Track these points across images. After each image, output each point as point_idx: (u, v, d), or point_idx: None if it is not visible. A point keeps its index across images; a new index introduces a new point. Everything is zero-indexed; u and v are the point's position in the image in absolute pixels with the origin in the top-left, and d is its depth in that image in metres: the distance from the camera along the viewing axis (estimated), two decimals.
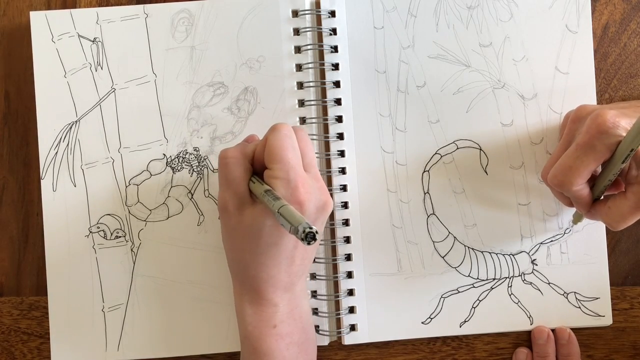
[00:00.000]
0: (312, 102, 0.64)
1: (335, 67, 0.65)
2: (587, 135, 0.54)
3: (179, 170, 0.65)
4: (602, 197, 0.58)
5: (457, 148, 0.65)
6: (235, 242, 0.57)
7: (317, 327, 0.64)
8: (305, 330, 0.60)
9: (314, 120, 0.64)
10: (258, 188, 0.55)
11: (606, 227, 0.64)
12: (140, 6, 0.65)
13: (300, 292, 0.59)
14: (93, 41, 0.65)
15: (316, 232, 0.47)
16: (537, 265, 0.65)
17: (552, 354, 0.65)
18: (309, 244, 0.47)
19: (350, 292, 0.65)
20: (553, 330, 0.65)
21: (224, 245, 0.59)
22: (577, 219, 0.64)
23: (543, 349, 0.64)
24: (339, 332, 0.65)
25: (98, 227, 0.65)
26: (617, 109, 0.54)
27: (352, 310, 0.65)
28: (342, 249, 0.65)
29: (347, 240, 0.65)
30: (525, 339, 0.66)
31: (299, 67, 0.65)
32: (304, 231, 0.47)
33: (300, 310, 0.59)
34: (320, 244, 0.65)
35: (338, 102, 0.65)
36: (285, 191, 0.53)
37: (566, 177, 0.55)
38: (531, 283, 0.65)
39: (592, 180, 0.57)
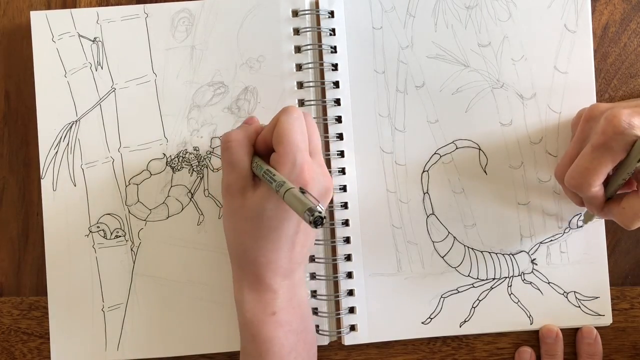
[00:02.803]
0: (312, 102, 0.65)
1: (335, 67, 0.65)
2: (603, 136, 0.54)
3: (178, 170, 0.66)
4: (615, 197, 0.59)
5: (457, 148, 0.66)
6: (237, 224, 0.58)
7: (317, 327, 0.65)
8: (304, 319, 0.60)
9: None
10: (260, 170, 0.55)
11: (605, 227, 0.65)
12: (141, 6, 0.66)
13: (299, 281, 0.60)
14: (93, 41, 0.66)
15: (324, 216, 0.47)
16: (536, 264, 0.66)
17: (560, 353, 0.65)
18: (316, 227, 0.47)
19: (350, 293, 0.65)
20: (577, 330, 0.66)
21: (224, 228, 0.60)
22: (588, 219, 0.65)
23: (552, 347, 0.65)
24: (339, 332, 0.65)
25: (98, 227, 0.66)
26: (631, 107, 0.54)
27: (352, 310, 0.65)
28: (342, 249, 0.65)
29: (347, 240, 0.65)
30: (525, 338, 0.67)
31: (299, 67, 0.66)
32: (312, 214, 0.47)
33: (299, 299, 0.60)
34: (320, 244, 0.65)
35: (337, 102, 0.65)
36: (291, 173, 0.54)
37: (584, 179, 0.56)
38: (531, 283, 0.66)
39: (605, 180, 0.57)
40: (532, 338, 0.67)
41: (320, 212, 0.47)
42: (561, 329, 0.66)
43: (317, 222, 0.47)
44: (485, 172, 0.66)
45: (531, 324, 0.66)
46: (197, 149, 0.66)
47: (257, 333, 0.57)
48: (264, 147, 0.58)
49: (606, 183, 0.58)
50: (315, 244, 0.65)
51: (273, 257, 0.57)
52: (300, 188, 0.51)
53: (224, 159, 0.58)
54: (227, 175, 0.58)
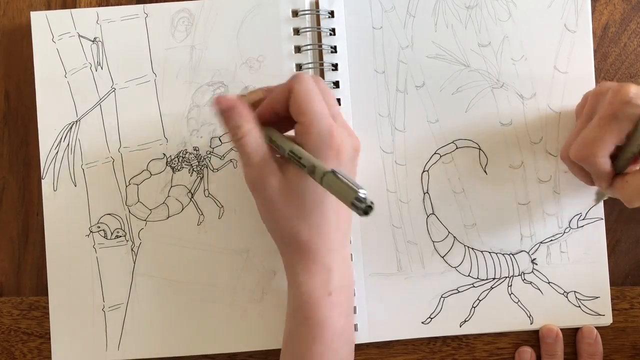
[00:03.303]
0: None
1: (335, 67, 0.66)
2: (610, 107, 0.54)
3: (179, 170, 0.66)
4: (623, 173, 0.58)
5: (457, 148, 0.66)
6: (280, 212, 0.56)
7: None
8: (351, 301, 0.60)
9: None
10: (284, 150, 0.54)
11: (606, 227, 0.66)
12: (140, 6, 0.66)
13: (348, 259, 0.60)
14: (93, 41, 0.67)
15: (372, 204, 0.45)
16: (537, 264, 0.66)
17: (560, 353, 0.66)
18: (366, 215, 0.46)
19: None
20: (577, 330, 0.66)
21: (265, 222, 0.59)
22: (599, 197, 0.64)
23: (552, 347, 0.65)
24: None
25: (98, 227, 0.66)
26: None
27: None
28: None
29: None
30: (525, 338, 0.67)
31: (299, 67, 0.66)
32: (362, 205, 0.45)
33: (349, 280, 0.60)
34: None
35: (337, 102, 0.65)
36: (321, 143, 0.53)
37: (590, 149, 0.56)
38: (531, 282, 0.66)
39: (614, 158, 0.57)
40: (532, 338, 0.67)
41: (371, 203, 0.46)
42: (561, 329, 0.66)
43: (367, 210, 0.46)
44: (485, 172, 0.66)
45: (531, 323, 0.66)
46: (197, 149, 0.66)
47: (313, 314, 0.56)
48: (271, 116, 0.57)
49: (615, 159, 0.58)
50: None
51: (325, 231, 0.56)
52: (333, 170, 0.49)
53: (243, 154, 0.56)
54: (251, 169, 0.56)
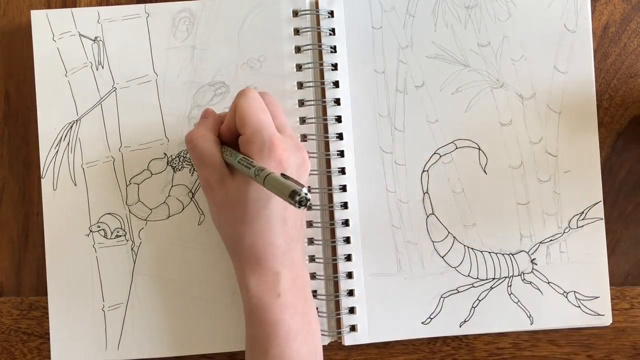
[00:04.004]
0: (312, 102, 0.66)
1: (335, 67, 0.66)
2: None
3: (179, 170, 0.67)
4: None
5: (456, 148, 0.67)
6: (226, 216, 0.58)
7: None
8: (308, 301, 0.61)
9: (313, 121, 0.66)
10: (234, 158, 0.56)
11: (605, 227, 0.66)
12: (142, 5, 0.67)
13: (299, 261, 0.60)
14: (94, 40, 0.67)
15: (309, 197, 0.47)
16: (536, 264, 0.66)
17: None
18: (300, 207, 0.48)
19: (350, 293, 0.66)
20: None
21: (215, 223, 0.61)
22: None
23: None
24: (339, 333, 0.66)
25: (98, 226, 0.66)
26: None
27: (352, 310, 0.66)
28: (342, 249, 0.66)
29: (347, 240, 0.66)
30: (525, 338, 0.67)
31: (299, 67, 0.66)
32: (296, 197, 0.47)
33: (302, 281, 0.60)
34: (319, 244, 0.66)
35: (337, 102, 0.66)
36: (262, 151, 0.55)
37: None
38: (531, 282, 0.66)
39: None
40: (532, 338, 0.67)
41: (305, 193, 0.48)
42: (561, 329, 0.67)
43: (302, 202, 0.47)
44: (485, 172, 0.67)
45: (531, 324, 0.66)
46: None
47: (264, 317, 0.58)
48: (229, 135, 0.59)
49: None
50: (314, 243, 0.66)
51: (269, 237, 0.57)
52: (282, 174, 0.52)
53: (193, 157, 0.59)
54: (201, 172, 0.59)
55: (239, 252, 0.59)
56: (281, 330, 0.57)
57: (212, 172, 0.58)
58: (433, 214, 0.67)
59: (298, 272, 0.60)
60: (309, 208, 0.49)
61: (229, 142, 0.60)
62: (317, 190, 0.66)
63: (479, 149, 0.67)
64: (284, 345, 0.57)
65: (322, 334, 0.65)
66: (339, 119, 0.66)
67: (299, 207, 0.48)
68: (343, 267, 0.66)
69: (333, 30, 0.67)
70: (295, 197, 0.47)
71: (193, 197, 0.67)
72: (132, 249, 0.67)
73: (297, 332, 0.58)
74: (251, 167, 0.53)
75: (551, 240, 0.67)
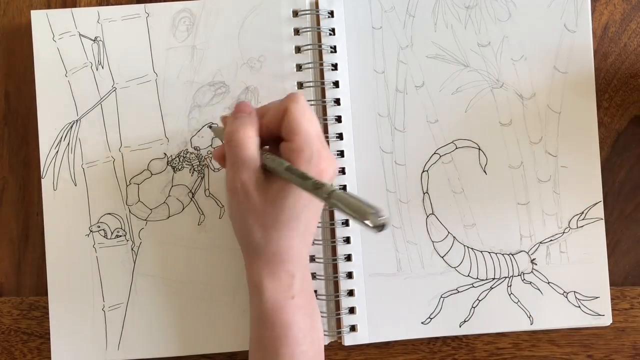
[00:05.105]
0: (312, 102, 0.66)
1: (335, 67, 0.66)
2: None
3: (179, 170, 0.67)
4: None
5: (456, 148, 0.67)
6: (256, 221, 0.57)
7: None
8: (313, 302, 0.61)
9: None
10: (279, 165, 0.55)
11: (605, 227, 0.66)
12: (142, 5, 0.67)
13: (308, 264, 0.61)
14: (94, 40, 0.67)
15: (389, 219, 0.46)
16: (536, 264, 0.66)
17: None
18: (378, 230, 0.45)
19: (350, 293, 0.66)
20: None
21: (237, 227, 0.59)
22: None
23: None
24: (339, 333, 0.66)
25: (98, 226, 0.67)
26: None
27: (352, 310, 0.66)
28: (342, 249, 0.66)
29: (347, 240, 0.66)
30: (525, 338, 0.67)
31: (299, 67, 0.67)
32: (380, 221, 0.45)
33: (309, 281, 0.61)
34: (319, 244, 0.66)
35: (337, 102, 0.66)
36: (309, 164, 0.54)
37: None
38: (531, 282, 0.66)
39: None
40: (532, 338, 0.68)
41: (386, 218, 0.46)
42: (561, 329, 0.67)
43: (382, 226, 0.46)
44: (485, 172, 0.67)
45: (531, 324, 0.67)
46: (198, 148, 0.67)
47: (277, 318, 0.58)
48: (266, 134, 0.58)
49: None
50: (314, 243, 0.66)
51: (294, 243, 0.57)
52: (342, 187, 0.51)
53: (230, 156, 0.57)
54: (236, 174, 0.56)
55: (258, 256, 0.58)
56: (293, 331, 0.58)
57: (250, 177, 0.56)
58: (433, 214, 0.67)
59: (307, 274, 0.61)
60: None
61: (264, 139, 0.58)
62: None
63: (479, 149, 0.67)
64: (294, 346, 0.58)
65: (323, 334, 0.65)
66: (339, 119, 0.67)
67: (377, 231, 0.46)
68: (343, 267, 0.67)
69: (333, 30, 0.67)
70: (375, 220, 0.46)
71: (193, 197, 0.67)
72: (132, 249, 0.67)
73: (305, 334, 0.59)
74: (307, 179, 0.52)
75: (551, 240, 0.67)
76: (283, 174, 0.54)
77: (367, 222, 0.46)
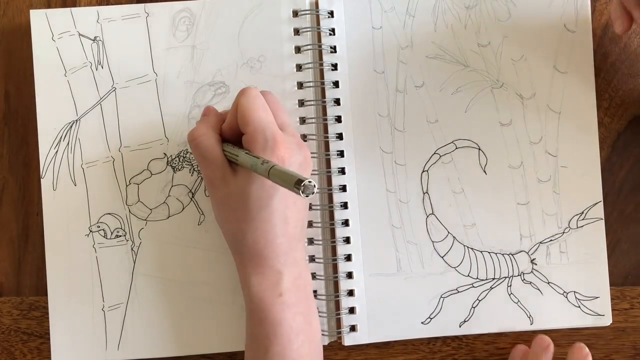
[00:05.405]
0: (312, 102, 0.66)
1: (335, 67, 0.67)
2: None
3: (179, 170, 0.67)
4: None
5: (456, 148, 0.67)
6: (228, 214, 0.59)
7: None
8: (309, 301, 0.61)
9: (313, 121, 0.66)
10: (237, 153, 0.57)
11: (605, 227, 0.66)
12: (141, 5, 0.67)
13: (301, 261, 0.61)
14: (94, 40, 0.67)
15: (314, 184, 0.48)
16: (536, 264, 0.67)
17: None
18: (307, 195, 0.48)
19: (350, 293, 0.66)
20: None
21: (218, 221, 0.62)
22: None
23: (536, 357, 0.65)
24: (339, 333, 0.66)
25: (98, 226, 0.67)
26: None
27: (352, 310, 0.66)
28: (341, 249, 0.66)
29: (347, 240, 0.66)
30: (525, 338, 0.68)
31: (299, 67, 0.67)
32: (301, 184, 0.48)
33: (304, 281, 0.61)
34: (319, 244, 0.66)
35: (337, 102, 0.66)
36: (265, 149, 0.56)
37: None
38: (531, 282, 0.67)
39: None
40: (532, 338, 0.67)
41: (309, 181, 0.48)
42: (561, 329, 0.67)
43: (308, 190, 0.48)
44: (485, 172, 0.67)
45: (531, 324, 0.67)
46: None
47: (265, 316, 0.58)
48: (231, 133, 0.60)
49: None
50: (314, 243, 0.66)
51: (270, 236, 0.58)
52: (277, 165, 0.53)
53: (196, 155, 0.60)
54: (204, 170, 0.60)
55: (240, 251, 0.60)
56: (282, 329, 0.58)
57: (215, 170, 0.59)
58: (433, 214, 0.67)
59: (300, 271, 0.61)
60: (308, 194, 0.49)
61: (231, 141, 0.60)
62: (317, 190, 0.66)
63: (479, 149, 0.67)
64: (285, 344, 0.58)
65: (322, 334, 0.66)
66: (339, 119, 0.67)
67: (306, 196, 0.48)
68: (343, 267, 0.67)
69: (333, 30, 0.67)
70: (301, 186, 0.48)
71: (193, 197, 0.67)
72: (132, 249, 0.67)
73: (298, 332, 0.59)
74: (257, 158, 0.54)
75: (551, 240, 0.67)
76: (240, 159, 0.56)
77: (294, 189, 0.48)
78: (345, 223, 0.67)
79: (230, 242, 0.61)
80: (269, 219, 0.57)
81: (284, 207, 0.58)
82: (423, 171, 0.67)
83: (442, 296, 0.67)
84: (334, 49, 0.67)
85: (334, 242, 0.67)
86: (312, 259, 0.67)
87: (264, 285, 0.59)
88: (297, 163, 0.58)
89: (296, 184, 0.48)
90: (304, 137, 0.66)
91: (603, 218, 0.67)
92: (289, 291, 0.59)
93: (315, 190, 0.48)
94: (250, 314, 0.60)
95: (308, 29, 0.67)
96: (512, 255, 0.67)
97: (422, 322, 0.67)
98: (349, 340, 0.67)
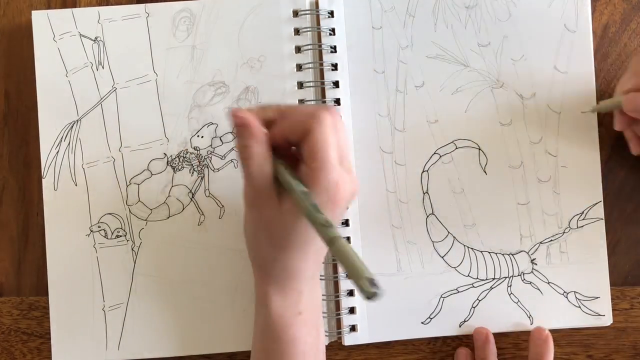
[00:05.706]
0: (312, 102, 0.66)
1: (335, 67, 0.67)
2: None
3: (179, 170, 0.67)
4: None
5: (456, 148, 0.67)
6: (264, 235, 0.55)
7: None
8: (318, 312, 0.60)
9: None
10: (292, 189, 0.52)
11: (606, 227, 0.67)
12: (142, 5, 0.67)
13: (318, 281, 0.60)
14: (94, 40, 0.67)
15: (381, 289, 0.42)
16: (536, 264, 0.67)
17: (490, 357, 0.66)
18: (367, 298, 0.42)
19: (350, 293, 0.67)
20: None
21: (247, 235, 0.58)
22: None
23: (482, 351, 0.66)
24: (339, 333, 0.67)
25: (99, 227, 0.67)
26: None
27: (352, 310, 0.67)
28: None
29: (347, 240, 0.66)
30: (525, 338, 0.68)
31: (299, 67, 0.67)
32: (370, 288, 0.42)
33: (318, 293, 0.60)
34: None
35: (337, 102, 0.66)
36: (325, 193, 0.51)
37: None
38: (531, 282, 0.67)
39: None
40: None
41: (379, 289, 0.42)
42: (560, 329, 0.67)
43: (372, 297, 0.42)
44: (485, 172, 0.67)
45: (531, 324, 0.67)
46: (197, 148, 0.67)
47: (284, 333, 0.57)
48: (282, 142, 0.54)
49: None
50: None
51: (303, 266, 0.56)
52: (345, 238, 0.48)
53: (245, 170, 0.54)
54: (249, 188, 0.54)
55: (267, 271, 0.57)
56: (298, 347, 0.57)
57: (261, 192, 0.54)
58: (433, 214, 0.67)
59: (316, 291, 0.60)
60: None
61: (278, 147, 0.55)
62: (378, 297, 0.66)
63: (479, 149, 0.67)
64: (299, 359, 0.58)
65: None
66: None
67: (367, 299, 0.42)
68: None
69: (333, 30, 0.67)
70: (366, 285, 0.42)
71: (193, 197, 0.67)
72: (132, 249, 0.67)
73: (311, 347, 0.58)
74: (318, 213, 0.49)
75: (551, 240, 0.67)
76: (296, 196, 0.51)
77: (358, 285, 0.43)
78: (346, 223, 0.67)
79: (257, 260, 0.58)
80: (306, 251, 0.56)
81: (319, 241, 0.53)
82: (423, 171, 0.67)
83: (442, 296, 0.67)
84: (334, 49, 0.67)
85: None
86: None
87: (285, 305, 0.57)
88: (346, 203, 0.55)
89: (362, 280, 0.43)
90: None
91: (603, 218, 0.67)
92: (307, 310, 0.58)
93: (378, 295, 0.43)
94: (266, 330, 0.58)
95: (308, 29, 0.67)
96: (512, 255, 0.67)
97: (422, 322, 0.67)
98: (349, 340, 0.67)
